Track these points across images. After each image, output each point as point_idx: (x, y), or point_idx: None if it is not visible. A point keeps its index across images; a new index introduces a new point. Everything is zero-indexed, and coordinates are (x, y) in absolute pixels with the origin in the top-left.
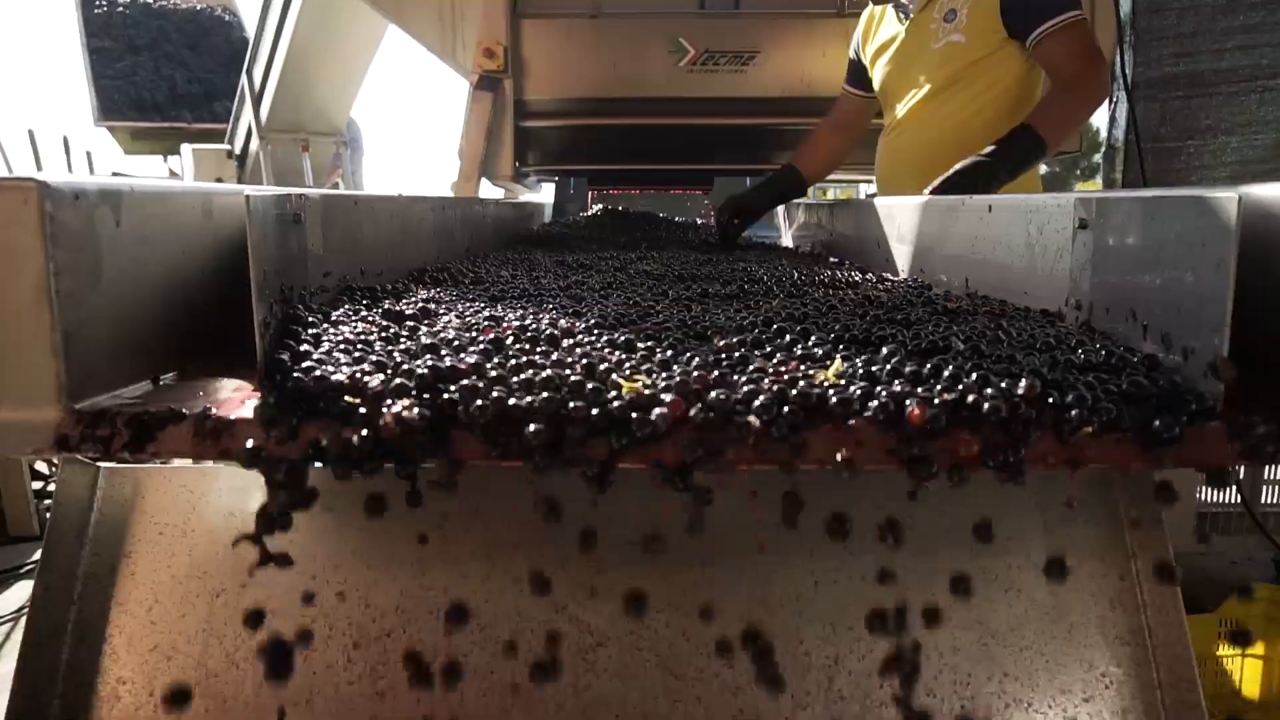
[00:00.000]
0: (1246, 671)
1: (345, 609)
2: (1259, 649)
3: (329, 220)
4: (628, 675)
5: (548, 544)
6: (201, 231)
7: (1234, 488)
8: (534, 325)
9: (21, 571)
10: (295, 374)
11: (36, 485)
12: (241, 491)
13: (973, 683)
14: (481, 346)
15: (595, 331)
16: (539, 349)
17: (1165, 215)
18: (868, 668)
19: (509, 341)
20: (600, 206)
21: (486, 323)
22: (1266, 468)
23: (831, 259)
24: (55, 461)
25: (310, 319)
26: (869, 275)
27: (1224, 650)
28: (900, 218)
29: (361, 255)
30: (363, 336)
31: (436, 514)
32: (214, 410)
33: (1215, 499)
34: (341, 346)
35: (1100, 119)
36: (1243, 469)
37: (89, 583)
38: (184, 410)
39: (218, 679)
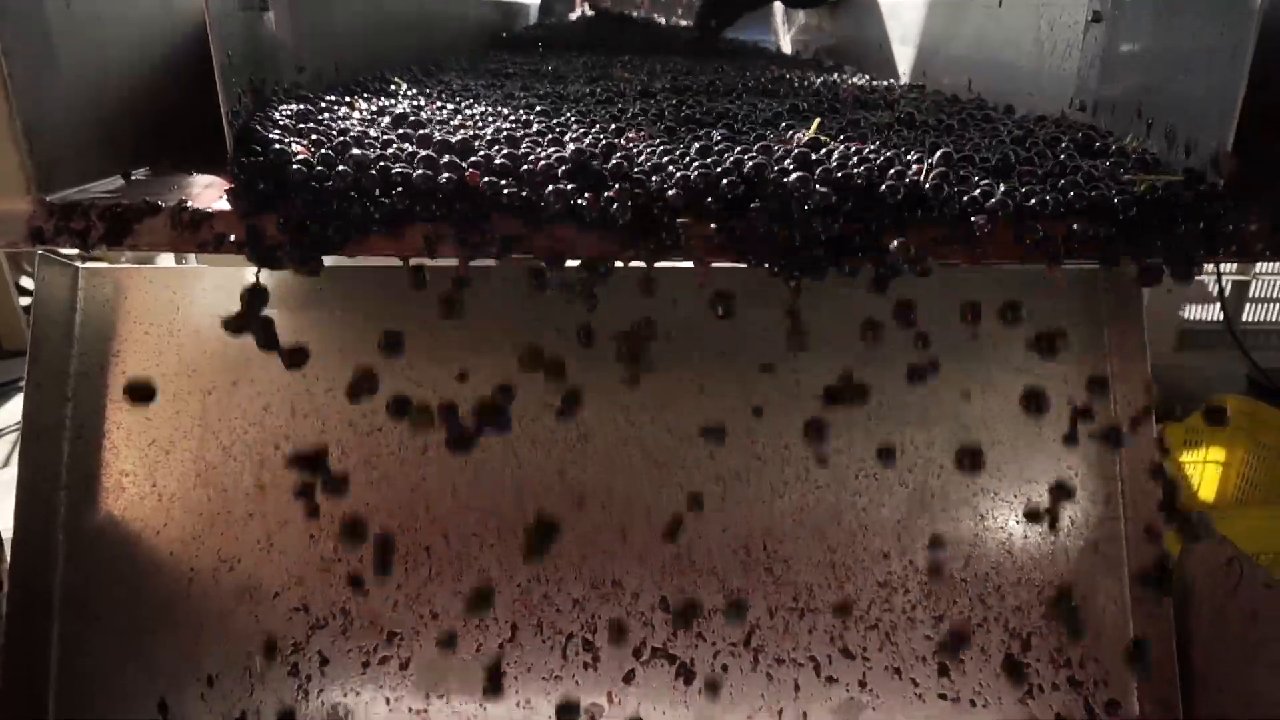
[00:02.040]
0: (1206, 476)
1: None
2: (1220, 456)
3: (298, 7)
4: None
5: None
6: (160, 13)
7: (1217, 304)
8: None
9: (19, 385)
10: (265, 156)
11: (25, 301)
12: (225, 292)
13: (944, 473)
14: (460, 129)
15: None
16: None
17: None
18: (845, 460)
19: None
20: (588, 6)
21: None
22: (1251, 286)
23: (828, 64)
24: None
25: (283, 110)
26: (862, 78)
27: (1187, 457)
28: (905, 17)
29: (337, 48)
30: (338, 123)
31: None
32: (190, 202)
33: (1197, 315)
34: (314, 134)
35: None
36: (1227, 286)
37: (81, 381)
38: (160, 203)
39: (216, 470)
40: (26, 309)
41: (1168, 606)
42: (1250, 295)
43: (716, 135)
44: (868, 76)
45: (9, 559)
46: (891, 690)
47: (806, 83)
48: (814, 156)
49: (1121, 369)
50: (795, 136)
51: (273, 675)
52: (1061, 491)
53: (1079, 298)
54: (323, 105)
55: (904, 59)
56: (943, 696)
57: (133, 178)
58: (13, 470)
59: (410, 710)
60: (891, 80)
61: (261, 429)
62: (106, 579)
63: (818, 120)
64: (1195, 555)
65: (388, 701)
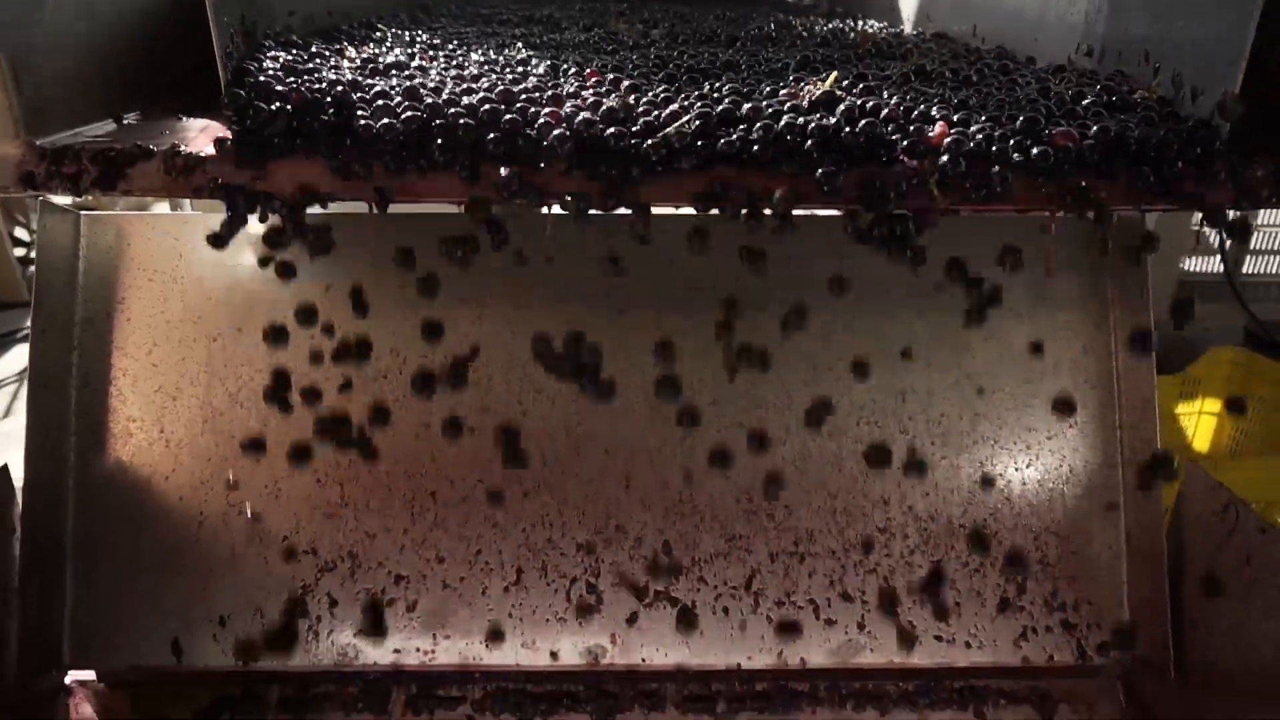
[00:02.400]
0: (1201, 427)
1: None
2: (1215, 407)
3: None
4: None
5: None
6: None
7: (1218, 256)
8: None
9: (18, 336)
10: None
11: (19, 252)
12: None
13: (945, 420)
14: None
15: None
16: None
17: None
18: (847, 407)
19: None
20: None
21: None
22: (1254, 238)
23: (835, 9)
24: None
25: (276, 52)
26: (870, 25)
27: (1182, 408)
28: None
29: None
30: (332, 65)
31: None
32: (183, 147)
33: (1198, 268)
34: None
35: None
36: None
37: (86, 329)
38: (152, 147)
39: (223, 416)
40: (20, 260)
41: (1161, 551)
42: (1251, 247)
43: (724, 90)
44: (875, 23)
45: (20, 505)
46: (889, 633)
47: (813, 30)
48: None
49: (1122, 318)
50: (807, 89)
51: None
52: (1061, 438)
53: (1081, 246)
54: (313, 50)
55: (908, 4)
56: (939, 638)
57: (125, 121)
58: (12, 421)
59: (419, 650)
60: (901, 27)
61: (267, 376)
62: (117, 524)
63: (834, 74)
64: (1191, 502)
65: (396, 639)
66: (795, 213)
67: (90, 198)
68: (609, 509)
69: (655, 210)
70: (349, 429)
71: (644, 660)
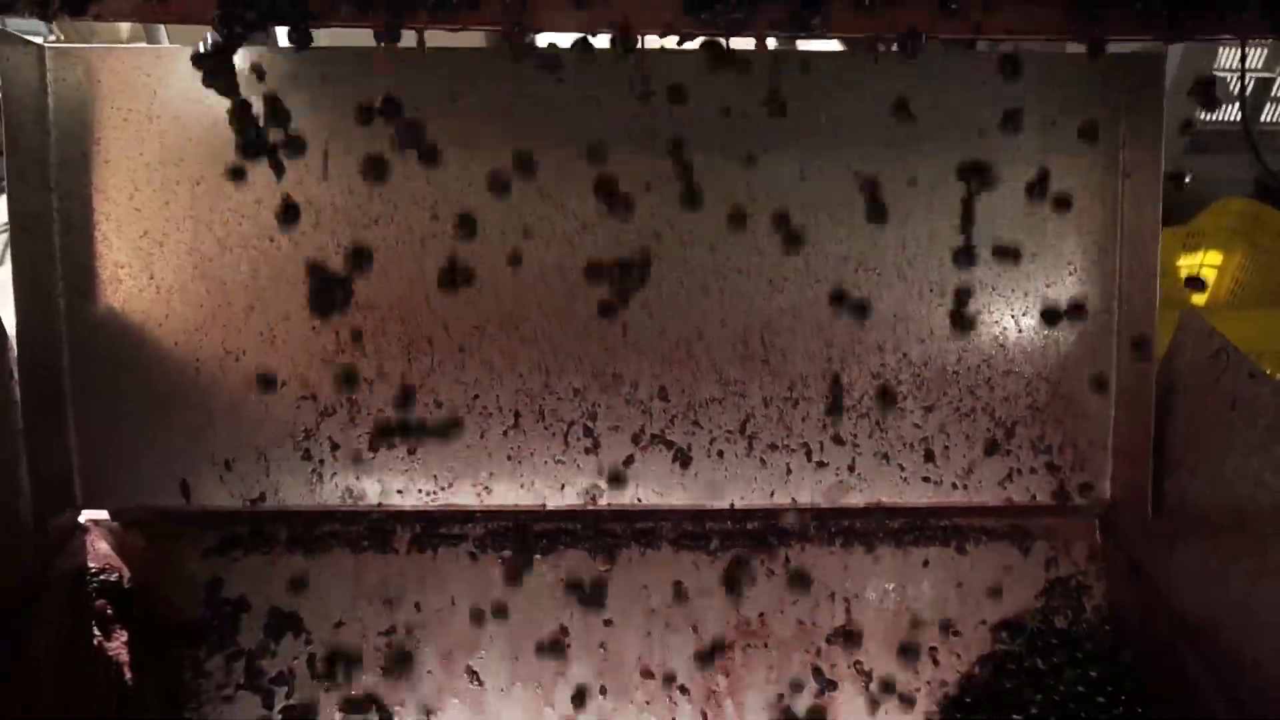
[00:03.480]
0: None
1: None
2: (1215, 259)
3: None
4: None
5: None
6: None
7: (1236, 104)
8: None
9: None
10: None
11: None
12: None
13: (942, 267)
14: None
15: None
16: None
17: None
18: (844, 253)
19: None
20: None
21: None
22: (1274, 85)
23: None
24: None
25: None
26: None
27: (1183, 260)
28: None
29: None
30: None
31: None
32: None
33: (1213, 116)
34: None
35: None
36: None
37: (62, 171)
38: None
39: (213, 263)
40: None
41: (1149, 395)
42: (1272, 94)
43: None
44: None
45: (15, 350)
46: (879, 474)
47: None
48: None
49: (1134, 160)
50: None
51: (286, 459)
52: (1060, 285)
53: (1097, 85)
54: None
55: None
56: (926, 480)
57: None
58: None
59: (420, 491)
60: None
61: (255, 223)
62: (114, 370)
63: None
64: (1184, 346)
65: (398, 481)
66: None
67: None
68: (605, 355)
69: None
70: (345, 279)
71: (640, 500)
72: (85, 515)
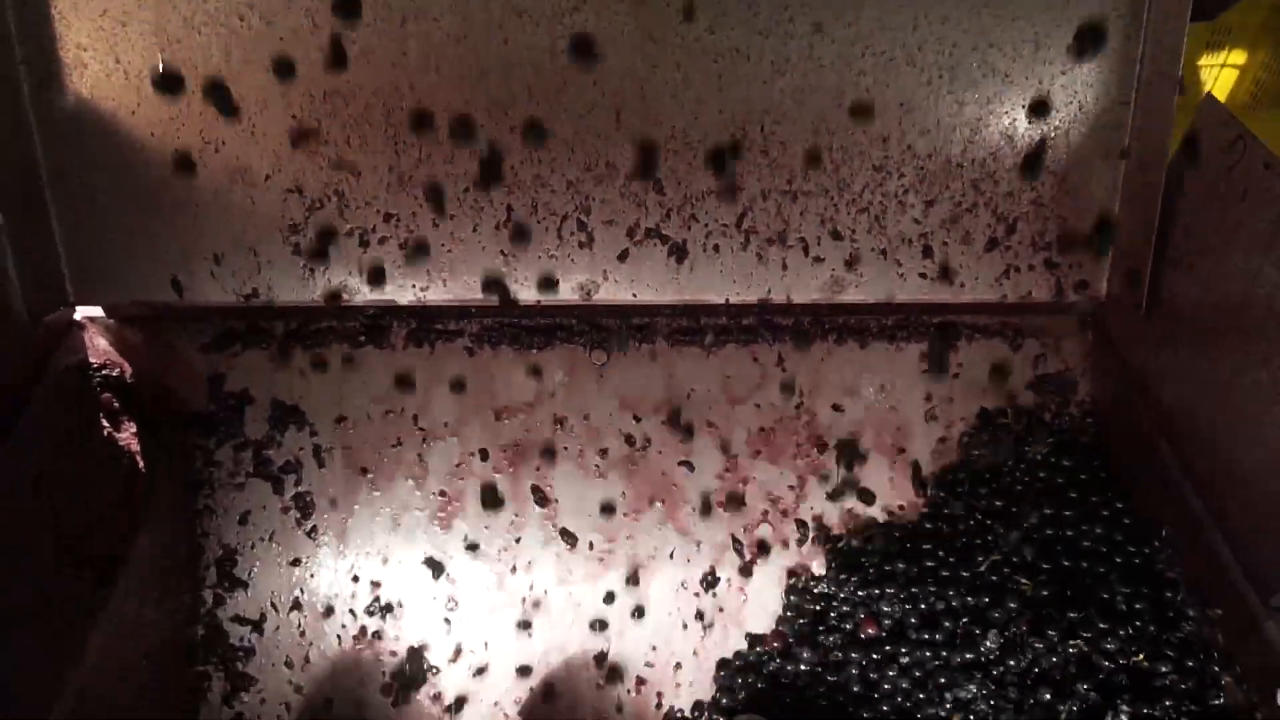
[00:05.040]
0: (1220, 80)
1: None
2: (1239, 59)
3: None
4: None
5: None
6: None
7: None
8: None
9: None
10: None
11: None
12: None
13: (956, 51)
14: None
15: None
16: None
17: None
18: (852, 36)
19: None
20: None
21: None
22: None
23: None
24: None
25: None
26: None
27: (1205, 59)
28: None
29: None
30: None
31: None
32: None
33: None
34: None
35: None
36: None
37: None
38: None
39: (181, 45)
40: None
41: (1157, 192)
42: None
43: None
44: None
45: None
46: (876, 269)
47: None
48: None
49: None
50: None
51: (277, 254)
52: (1073, 73)
53: None
54: None
55: None
56: (923, 276)
57: None
58: None
59: (414, 286)
60: None
61: (225, 0)
62: (91, 161)
63: None
64: (1200, 134)
65: (391, 277)
66: None
67: None
68: (599, 146)
69: None
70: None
71: (635, 296)
72: (81, 313)
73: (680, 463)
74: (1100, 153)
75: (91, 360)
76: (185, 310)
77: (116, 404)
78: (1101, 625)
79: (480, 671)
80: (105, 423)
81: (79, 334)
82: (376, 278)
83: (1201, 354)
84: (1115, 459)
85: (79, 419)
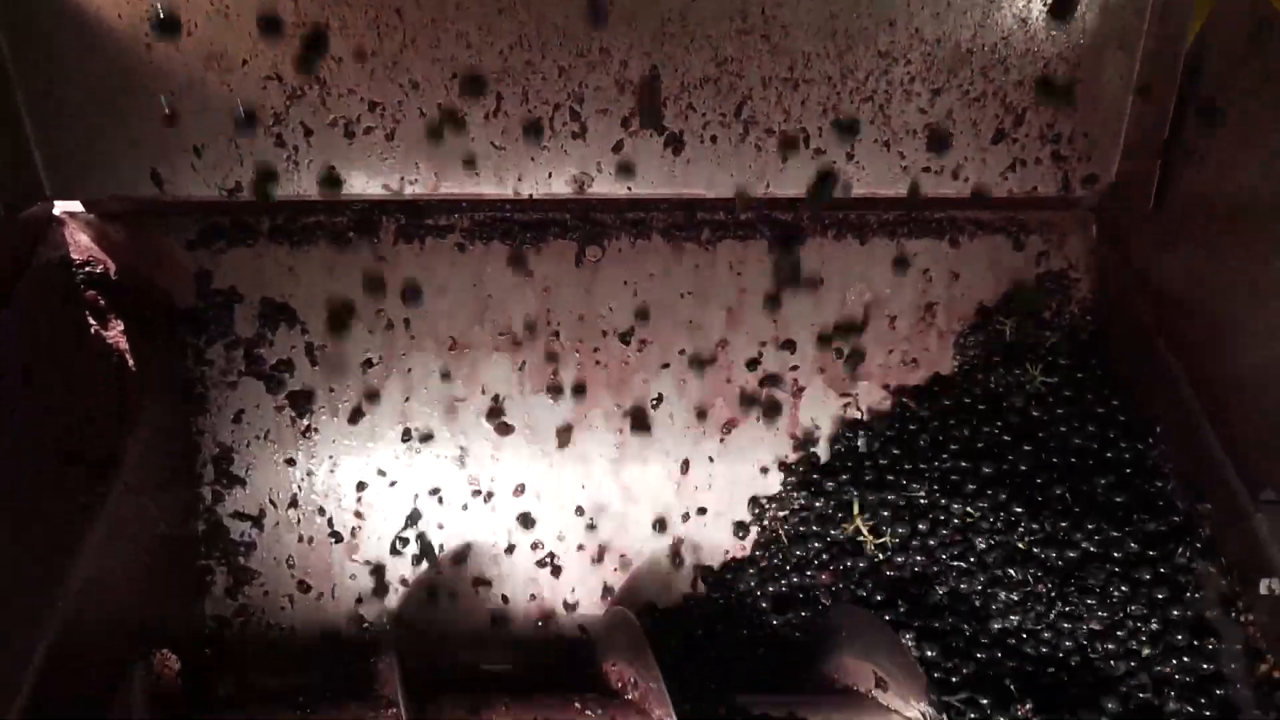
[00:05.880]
0: None
1: None
2: None
3: None
4: None
5: None
6: None
7: None
8: None
9: None
10: None
11: None
12: None
13: None
14: None
15: None
16: None
17: None
18: None
19: None
20: None
21: None
22: None
23: None
24: None
25: None
26: None
27: None
28: None
29: None
30: None
31: None
32: None
33: None
34: None
35: None
36: None
37: None
38: None
39: None
40: None
41: (1174, 82)
42: None
43: None
44: None
45: None
46: (879, 163)
47: None
48: None
49: None
50: None
51: (259, 145)
52: None
53: None
54: None
55: None
56: (927, 170)
57: None
58: None
59: (402, 179)
60: None
61: None
62: (58, 48)
63: None
64: (1224, 19)
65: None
66: None
67: None
68: (592, 30)
69: None
70: None
71: (630, 190)
72: (60, 208)
73: (673, 359)
74: (1116, 39)
75: (74, 257)
76: (168, 205)
77: (103, 301)
78: (1081, 511)
79: (471, 546)
80: (93, 320)
81: (59, 230)
82: (362, 169)
83: (1207, 250)
84: (1113, 358)
85: (65, 315)
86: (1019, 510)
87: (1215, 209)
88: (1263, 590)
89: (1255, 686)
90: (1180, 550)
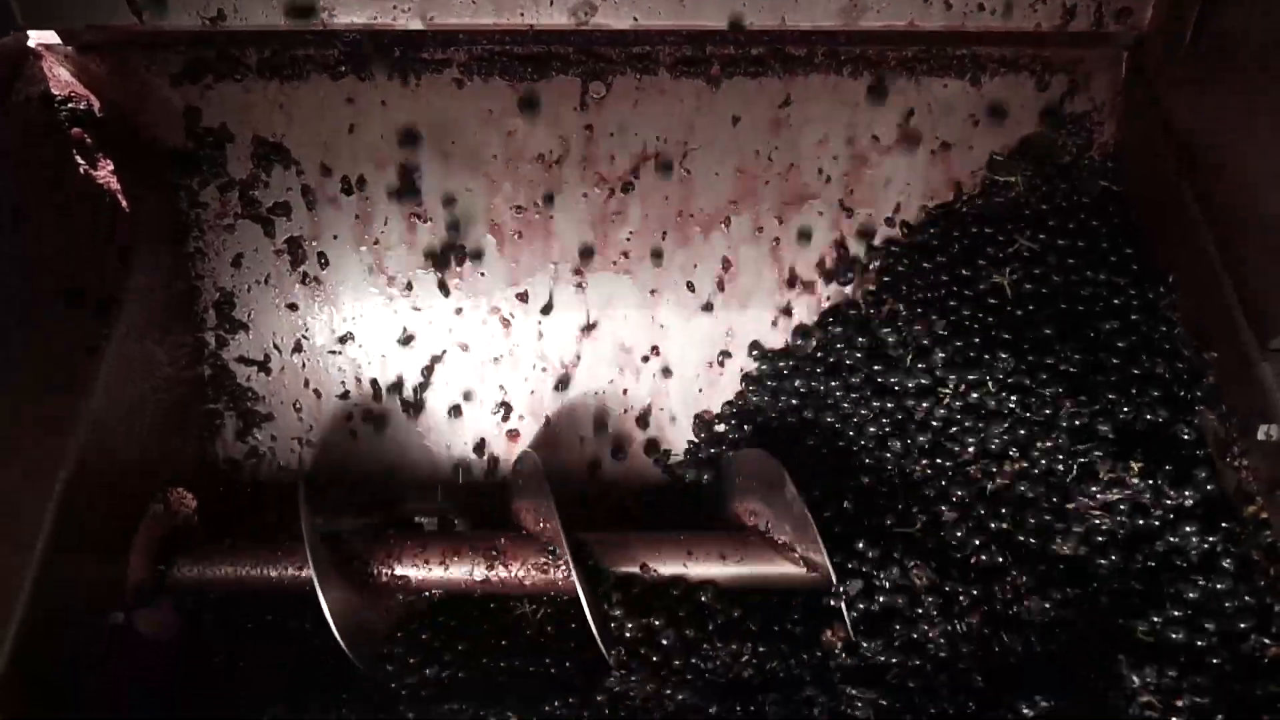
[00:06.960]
0: None
1: None
2: None
3: None
4: None
5: None
6: None
7: None
8: None
9: None
10: None
11: None
12: None
13: None
14: None
15: None
16: None
17: None
18: None
19: None
20: None
21: None
22: None
23: None
24: None
25: None
26: None
27: None
28: None
29: None
30: None
31: None
32: None
33: None
34: None
35: None
36: None
37: None
38: None
39: None
40: None
41: None
42: None
43: None
44: None
45: None
46: None
47: None
48: None
49: None
50: None
51: None
52: None
53: None
54: None
55: None
56: (949, 4)
57: None
58: None
59: (395, 8)
60: None
61: None
62: None
63: None
64: None
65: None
66: None
67: None
68: None
69: None
70: None
71: (635, 20)
72: (36, 39)
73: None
74: None
75: (55, 92)
76: (148, 36)
77: (89, 139)
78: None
79: (468, 395)
80: (80, 159)
81: (36, 63)
82: None
83: (1240, 91)
84: (1133, 203)
85: (50, 153)
86: (1023, 353)
87: (1255, 49)
88: (1260, 436)
89: (1242, 523)
90: (1184, 395)
